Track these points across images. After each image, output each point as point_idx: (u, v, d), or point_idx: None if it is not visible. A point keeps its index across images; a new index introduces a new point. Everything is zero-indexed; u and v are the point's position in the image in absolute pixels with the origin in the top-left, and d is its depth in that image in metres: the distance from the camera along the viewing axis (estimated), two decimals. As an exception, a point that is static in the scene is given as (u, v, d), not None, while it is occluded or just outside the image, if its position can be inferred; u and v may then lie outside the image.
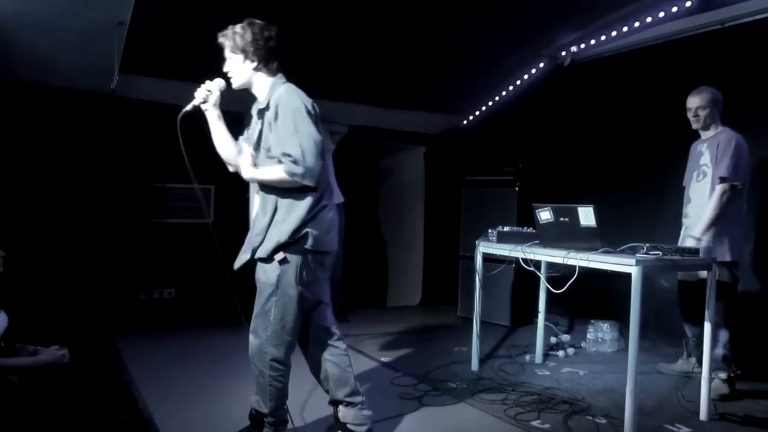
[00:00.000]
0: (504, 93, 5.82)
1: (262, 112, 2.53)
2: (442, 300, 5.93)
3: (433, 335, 4.74)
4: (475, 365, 3.80)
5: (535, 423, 2.90)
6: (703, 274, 3.28)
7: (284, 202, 2.47)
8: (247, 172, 2.53)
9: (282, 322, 2.48)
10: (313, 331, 2.60)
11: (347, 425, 2.57)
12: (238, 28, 2.46)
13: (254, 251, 2.58)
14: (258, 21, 2.48)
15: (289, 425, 2.61)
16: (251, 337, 2.56)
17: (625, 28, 4.63)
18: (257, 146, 2.58)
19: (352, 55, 4.84)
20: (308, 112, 2.44)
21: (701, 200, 3.47)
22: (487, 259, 3.84)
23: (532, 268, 3.49)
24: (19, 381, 2.57)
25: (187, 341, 4.27)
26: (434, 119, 6.19)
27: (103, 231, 4.84)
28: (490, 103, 6.01)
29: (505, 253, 3.56)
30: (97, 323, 4.44)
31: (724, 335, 3.36)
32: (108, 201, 4.87)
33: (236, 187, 5.38)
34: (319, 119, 2.50)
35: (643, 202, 4.57)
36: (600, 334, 4.40)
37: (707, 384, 3.01)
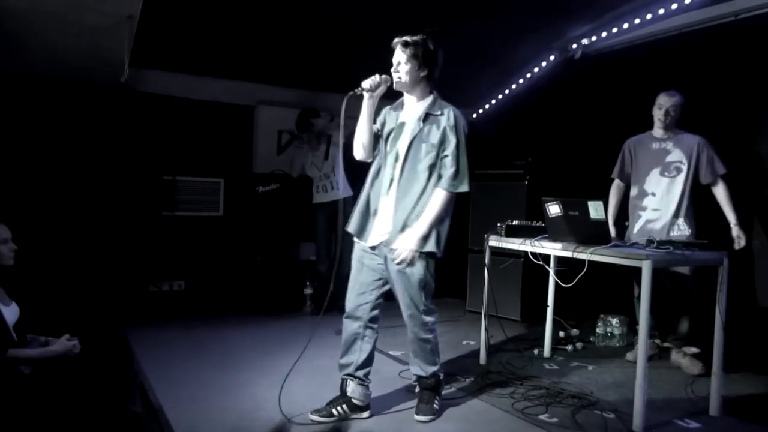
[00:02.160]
0: (514, 86, 5.78)
1: (428, 117, 2.82)
2: (450, 294, 5.92)
3: (440, 329, 4.69)
4: (483, 359, 3.79)
5: (543, 417, 2.90)
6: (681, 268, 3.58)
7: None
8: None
9: None
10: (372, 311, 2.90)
11: (352, 399, 2.83)
12: (418, 38, 2.78)
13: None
14: (433, 39, 2.82)
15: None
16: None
17: (637, 20, 4.58)
18: (395, 141, 2.85)
19: (362, 48, 4.83)
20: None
21: (671, 194, 3.74)
22: (496, 252, 3.83)
23: (541, 262, 3.47)
24: (31, 371, 2.60)
25: (197, 333, 4.30)
26: (444, 112, 6.16)
27: (113, 224, 4.87)
28: (500, 97, 5.98)
29: (514, 247, 3.55)
30: (108, 315, 4.48)
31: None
32: (118, 194, 4.90)
33: (245, 181, 5.44)
34: None
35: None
36: (609, 328, 4.38)
37: (718, 379, 2.99)
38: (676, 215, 3.73)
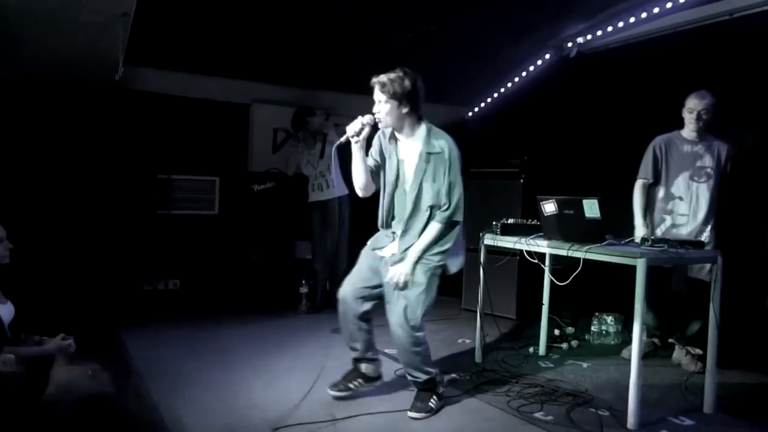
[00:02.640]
0: (509, 84, 5.79)
1: (429, 156, 2.87)
2: (445, 292, 5.87)
3: (436, 327, 4.74)
4: (478, 357, 3.80)
5: (538, 415, 2.91)
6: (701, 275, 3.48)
7: None
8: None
9: None
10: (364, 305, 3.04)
11: (366, 374, 3.11)
12: (393, 76, 2.81)
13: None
14: (410, 71, 2.83)
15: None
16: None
17: (632, 19, 4.60)
18: (400, 178, 2.96)
19: (357, 47, 4.82)
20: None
21: (701, 201, 3.66)
22: (492, 251, 3.84)
23: (536, 261, 3.48)
24: (25, 370, 2.59)
25: (192, 332, 4.29)
26: (439, 111, 6.15)
27: (108, 222, 4.85)
28: (495, 95, 5.98)
29: (510, 245, 3.56)
30: (103, 314, 4.47)
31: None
32: (113, 192, 4.88)
33: (240, 180, 5.43)
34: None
35: (632, 193, 4.54)
36: (604, 326, 4.39)
37: (712, 376, 3.01)
38: (705, 222, 3.66)
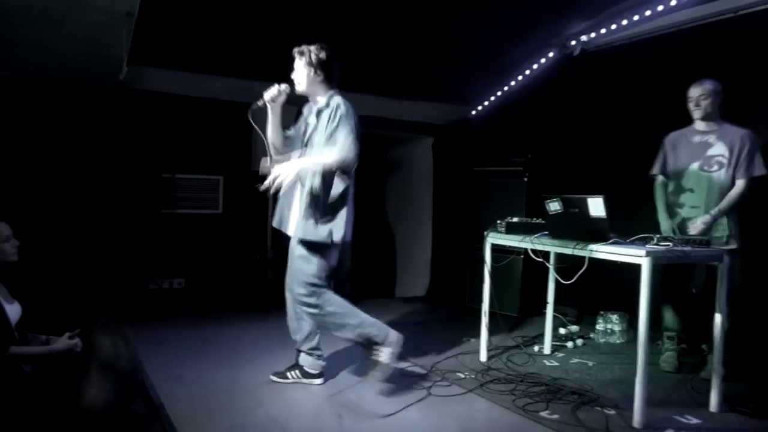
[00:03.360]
0: (513, 83, 5.77)
1: (320, 113, 3.12)
2: (450, 290, 5.93)
3: (441, 326, 4.74)
4: (483, 356, 3.80)
5: (543, 413, 2.91)
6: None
7: None
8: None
9: None
10: None
11: (304, 367, 3.27)
12: (312, 47, 3.11)
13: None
14: (327, 45, 3.13)
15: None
16: None
17: (636, 17, 4.57)
18: (307, 138, 3.19)
19: (359, 45, 4.82)
20: (350, 118, 3.06)
21: (712, 191, 3.52)
22: (496, 249, 3.84)
23: (541, 259, 3.48)
24: (32, 370, 2.60)
25: (198, 331, 4.30)
26: (442, 109, 6.16)
27: (112, 221, 4.86)
28: (499, 93, 5.97)
29: (514, 243, 3.56)
30: (108, 313, 4.47)
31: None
32: (117, 192, 4.89)
33: (244, 179, 5.43)
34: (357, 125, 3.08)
35: (653, 192, 4.53)
36: (609, 325, 4.39)
37: (718, 374, 3.00)
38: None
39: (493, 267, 3.81)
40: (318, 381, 3.25)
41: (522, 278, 5.00)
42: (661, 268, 3.61)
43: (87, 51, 4.27)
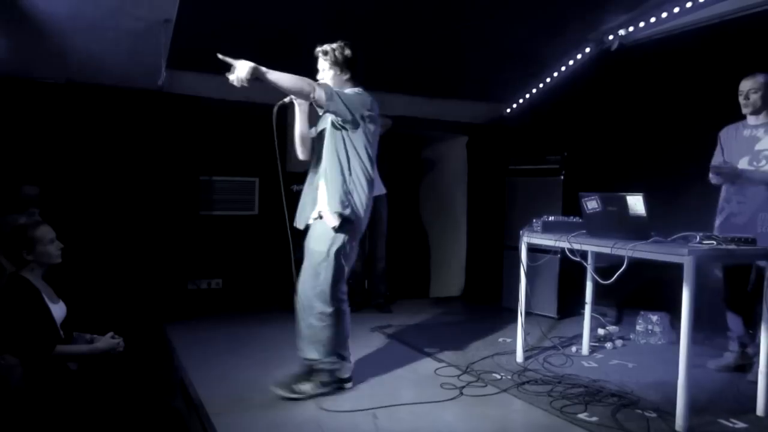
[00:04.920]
0: (548, 80, 5.69)
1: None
2: (485, 291, 5.88)
3: (476, 326, 4.70)
4: (519, 357, 3.75)
5: (582, 416, 2.85)
6: (759, 263, 3.20)
7: None
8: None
9: None
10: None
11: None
12: (335, 45, 3.05)
13: None
14: (350, 42, 3.08)
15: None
16: None
17: (676, 9, 4.46)
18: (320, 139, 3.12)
19: (393, 45, 4.82)
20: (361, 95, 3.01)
21: (758, 186, 3.40)
22: (532, 249, 3.78)
23: (578, 259, 3.41)
24: (77, 368, 2.69)
25: (235, 330, 4.37)
26: (477, 108, 6.11)
27: (152, 223, 4.98)
28: (534, 91, 5.89)
29: (551, 243, 3.50)
30: (149, 313, 4.59)
31: None
32: (157, 194, 5.01)
33: (279, 180, 5.49)
34: (376, 117, 3.05)
35: (695, 189, 4.39)
36: (650, 325, 4.28)
37: (766, 378, 2.89)
38: (763, 209, 3.40)
39: (529, 267, 3.76)
40: (348, 385, 3.19)
41: (559, 278, 4.92)
42: (722, 268, 3.54)
43: (127, 58, 4.39)
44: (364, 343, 3.53)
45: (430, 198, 6.97)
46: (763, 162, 3.42)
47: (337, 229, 2.97)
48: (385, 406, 2.84)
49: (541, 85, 5.78)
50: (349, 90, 3.04)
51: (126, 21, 3.87)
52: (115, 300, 4.50)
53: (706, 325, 4.04)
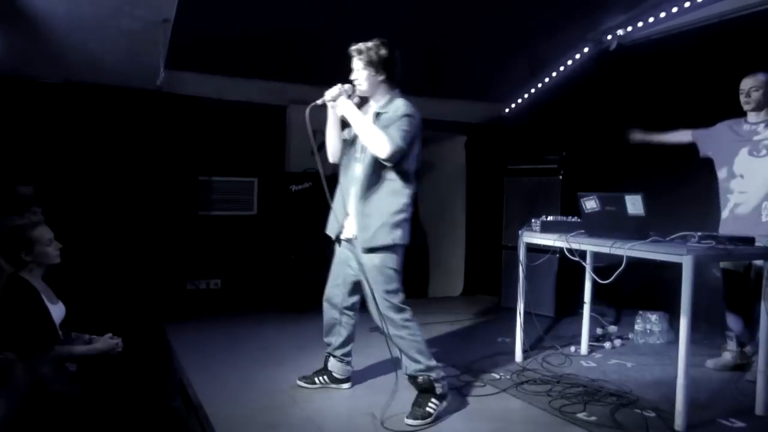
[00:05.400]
0: (547, 79, 5.70)
1: (378, 115, 2.87)
2: (484, 290, 5.88)
3: (475, 326, 4.71)
4: (518, 356, 3.75)
5: (580, 415, 2.85)
6: (757, 262, 3.22)
7: None
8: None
9: None
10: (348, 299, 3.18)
11: (333, 373, 3.21)
12: (371, 44, 2.88)
13: None
14: (387, 41, 2.91)
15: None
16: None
17: (674, 9, 4.46)
18: (354, 147, 3.03)
19: (396, 45, 4.82)
20: (413, 119, 2.84)
21: (760, 176, 3.42)
22: (531, 249, 3.79)
23: (577, 258, 3.42)
24: (76, 368, 2.68)
25: (234, 330, 4.37)
26: (475, 108, 6.11)
27: (151, 224, 4.97)
28: (533, 90, 5.90)
29: (549, 242, 3.50)
30: (147, 313, 4.58)
31: None
32: (156, 194, 5.00)
33: (279, 180, 5.50)
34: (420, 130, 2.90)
35: (694, 189, 4.40)
36: (648, 325, 4.28)
37: (764, 377, 2.90)
38: (767, 197, 3.41)
39: (528, 266, 3.76)
40: (345, 386, 3.20)
41: (557, 278, 4.93)
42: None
43: (126, 58, 4.38)
44: (363, 343, 3.52)
45: (428, 197, 6.96)
46: (764, 152, 3.45)
47: (389, 251, 2.91)
48: (385, 407, 2.83)
49: (539, 85, 5.78)
50: (398, 107, 2.84)
51: (124, 21, 3.86)
52: (114, 300, 4.49)
53: (704, 324, 4.06)
